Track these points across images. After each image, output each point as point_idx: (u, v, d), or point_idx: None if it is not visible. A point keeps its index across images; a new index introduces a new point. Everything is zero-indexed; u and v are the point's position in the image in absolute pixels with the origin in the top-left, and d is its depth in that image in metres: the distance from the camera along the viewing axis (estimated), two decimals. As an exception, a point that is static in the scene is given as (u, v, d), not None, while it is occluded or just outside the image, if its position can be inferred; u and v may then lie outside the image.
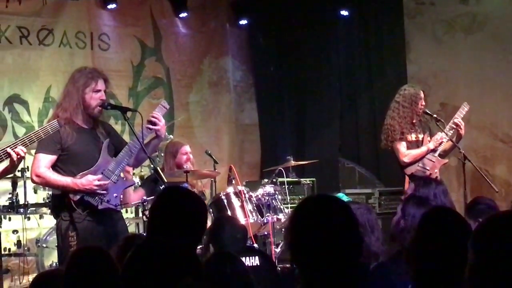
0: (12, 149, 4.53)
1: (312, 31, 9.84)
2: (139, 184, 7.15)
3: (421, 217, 2.82)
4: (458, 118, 6.87)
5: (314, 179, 8.36)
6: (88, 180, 4.87)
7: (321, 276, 2.30)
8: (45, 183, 5.13)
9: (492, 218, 2.02)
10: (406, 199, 4.36)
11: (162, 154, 7.41)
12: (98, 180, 4.89)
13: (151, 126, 5.10)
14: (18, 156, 4.55)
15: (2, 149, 4.54)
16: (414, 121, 6.98)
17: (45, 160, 4.93)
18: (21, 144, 4.61)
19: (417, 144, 6.94)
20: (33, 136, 4.67)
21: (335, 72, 9.87)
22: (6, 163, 4.70)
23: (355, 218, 2.40)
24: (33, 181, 5.15)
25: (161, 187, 5.68)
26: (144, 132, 5.08)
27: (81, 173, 4.91)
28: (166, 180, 5.04)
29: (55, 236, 6.76)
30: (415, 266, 2.65)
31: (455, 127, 6.86)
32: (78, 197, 4.87)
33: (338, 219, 2.33)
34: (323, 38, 9.84)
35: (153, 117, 5.10)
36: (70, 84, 5.07)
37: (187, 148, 6.89)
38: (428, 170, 6.80)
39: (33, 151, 6.88)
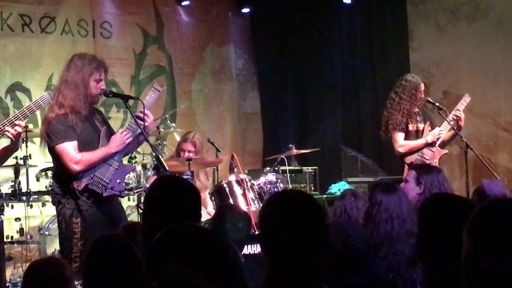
0: (10, 126, 4.53)
1: (315, 19, 9.82)
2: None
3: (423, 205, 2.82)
4: (459, 110, 6.88)
5: (316, 167, 8.35)
6: (118, 136, 5.00)
7: (287, 265, 2.39)
8: (87, 166, 4.96)
9: (487, 205, 2.01)
10: (373, 186, 4.37)
11: (165, 143, 7.44)
12: (124, 134, 5.01)
13: (139, 120, 5.03)
14: (16, 132, 4.57)
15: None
16: (417, 110, 6.98)
17: (73, 146, 4.90)
18: (15, 120, 4.62)
19: (417, 133, 6.96)
20: (26, 111, 4.69)
21: (337, 60, 9.85)
22: (6, 143, 4.70)
23: (321, 211, 2.50)
24: (75, 171, 4.90)
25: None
26: (133, 128, 5.07)
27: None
28: (167, 168, 5.03)
29: (57, 224, 6.80)
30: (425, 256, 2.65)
31: (455, 118, 6.87)
32: (82, 185, 4.87)
33: (303, 212, 2.45)
34: (326, 27, 9.82)
35: (142, 113, 5.05)
36: (73, 71, 4.99)
37: (188, 146, 6.91)
38: (427, 159, 6.81)
39: (35, 140, 6.94)
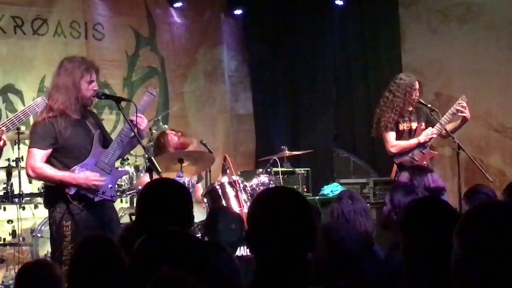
0: None
1: (307, 21, 9.83)
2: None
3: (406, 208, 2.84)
4: (460, 101, 6.83)
5: (308, 169, 8.36)
6: (86, 175, 4.86)
7: (274, 264, 2.38)
8: (41, 178, 5.09)
9: (479, 207, 2.02)
10: (393, 189, 4.37)
11: (157, 144, 7.42)
12: (95, 176, 4.88)
13: (132, 125, 5.02)
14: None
15: None
16: (410, 109, 6.95)
17: (40, 154, 4.89)
18: (11, 125, 4.59)
19: (410, 133, 6.92)
20: (21, 115, 4.67)
21: (330, 61, 9.87)
22: None
23: (309, 209, 2.50)
24: (29, 176, 5.09)
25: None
26: (126, 132, 5.05)
27: (78, 165, 4.89)
28: (160, 170, 5.02)
29: (49, 227, 6.79)
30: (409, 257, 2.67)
31: (455, 113, 6.82)
32: (73, 190, 4.86)
33: (290, 209, 2.44)
34: (318, 28, 9.84)
35: (138, 117, 5.03)
36: (63, 75, 4.97)
37: (178, 139, 6.95)
38: (416, 161, 6.80)
39: (27, 141, 6.94)
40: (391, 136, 6.88)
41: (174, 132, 7.23)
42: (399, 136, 6.90)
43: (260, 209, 2.49)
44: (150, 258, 2.31)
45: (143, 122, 5.07)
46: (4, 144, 4.56)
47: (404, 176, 5.02)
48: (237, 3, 9.92)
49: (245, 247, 5.76)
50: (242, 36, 10.21)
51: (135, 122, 5.00)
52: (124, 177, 7.01)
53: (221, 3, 9.95)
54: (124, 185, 7.18)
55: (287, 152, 7.73)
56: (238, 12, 9.98)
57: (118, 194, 6.65)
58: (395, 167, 6.92)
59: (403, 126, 6.92)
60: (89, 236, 3.30)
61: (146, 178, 6.39)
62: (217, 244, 2.71)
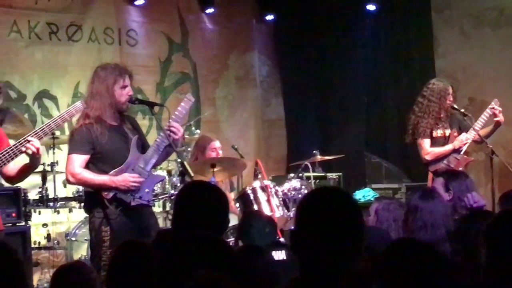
0: (23, 145, 4.47)
1: (339, 25, 9.83)
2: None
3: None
4: (492, 106, 6.77)
5: (340, 174, 8.35)
6: (124, 177, 4.89)
7: (318, 268, 2.32)
8: (81, 183, 5.12)
9: (506, 212, 2.01)
10: (412, 193, 4.36)
11: (189, 149, 7.47)
12: (134, 178, 4.93)
13: (170, 132, 5.04)
14: (31, 150, 4.45)
15: (15, 145, 4.52)
16: (441, 115, 6.89)
17: (79, 160, 4.93)
18: (48, 129, 4.60)
19: (444, 140, 6.84)
20: (59, 120, 4.67)
21: (361, 66, 9.85)
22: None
23: (360, 215, 2.41)
24: (68, 182, 5.11)
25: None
26: (162, 139, 5.06)
27: (114, 171, 4.93)
28: (192, 175, 5.05)
29: (84, 230, 6.86)
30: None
31: (488, 118, 6.75)
32: (111, 194, 4.89)
33: (340, 213, 2.34)
34: (350, 33, 9.83)
35: (172, 129, 5.05)
36: (97, 82, 5.02)
37: (216, 143, 6.94)
38: (452, 167, 6.73)
39: (62, 146, 7.04)
40: (426, 143, 6.80)
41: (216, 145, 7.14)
42: (433, 143, 6.83)
43: (309, 208, 2.41)
44: (181, 261, 2.32)
45: (178, 131, 5.07)
46: (38, 152, 4.52)
47: (439, 183, 4.98)
48: (268, 8, 9.96)
49: (277, 251, 5.77)
50: (273, 41, 10.24)
51: (169, 130, 5.02)
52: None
53: (253, 9, 9.99)
54: (157, 189, 7.22)
55: (319, 157, 7.73)
56: (269, 17, 10.02)
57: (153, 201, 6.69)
58: (430, 175, 6.85)
59: (437, 132, 6.85)
60: (125, 242, 3.32)
61: None
62: (256, 246, 2.71)
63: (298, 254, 2.37)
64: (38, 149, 4.47)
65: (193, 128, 8.04)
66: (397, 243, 2.72)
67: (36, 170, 6.28)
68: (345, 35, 9.83)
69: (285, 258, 5.81)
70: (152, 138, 5.91)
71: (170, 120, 5.08)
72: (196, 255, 2.32)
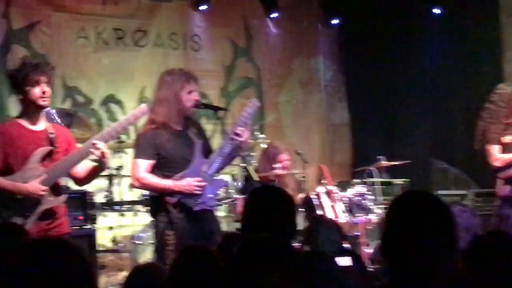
0: (93, 148, 4.54)
1: (404, 29, 9.69)
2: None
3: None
4: None
5: (406, 179, 8.23)
6: (188, 181, 4.91)
7: (410, 273, 2.26)
8: (145, 187, 5.18)
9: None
10: (503, 202, 4.24)
11: (253, 154, 7.46)
12: (197, 182, 4.94)
13: (235, 137, 5.04)
14: (100, 153, 4.51)
15: (83, 148, 4.58)
16: (511, 121, 6.72)
17: (144, 165, 4.97)
18: (114, 132, 4.65)
19: (514, 146, 6.67)
20: (124, 123, 4.71)
21: (427, 70, 9.68)
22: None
23: (452, 217, 2.35)
24: (134, 186, 5.19)
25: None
26: (226, 144, 5.05)
27: (178, 175, 4.95)
28: (257, 179, 5.04)
29: (149, 233, 6.91)
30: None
31: None
32: (174, 199, 4.92)
33: (433, 216, 2.30)
34: (416, 37, 9.68)
35: (237, 132, 5.03)
36: (164, 88, 5.05)
37: (284, 156, 6.90)
38: None
39: (128, 150, 7.11)
40: (494, 149, 6.62)
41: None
42: (503, 150, 6.66)
43: (401, 215, 2.36)
44: (248, 265, 2.30)
45: (244, 135, 5.05)
46: (104, 156, 4.58)
47: (507, 189, 4.85)
48: (334, 12, 9.89)
49: (343, 258, 5.71)
50: (338, 45, 10.17)
51: (234, 134, 5.02)
52: (221, 187, 7.05)
53: (318, 13, 9.95)
54: (221, 194, 7.23)
55: (384, 162, 7.63)
56: (335, 21, 9.95)
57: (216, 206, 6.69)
58: (499, 181, 6.67)
59: (505, 138, 6.68)
60: (187, 247, 3.32)
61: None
62: (324, 253, 2.68)
63: (389, 259, 2.33)
64: (104, 153, 4.53)
65: (257, 133, 8.03)
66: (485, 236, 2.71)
67: (103, 174, 6.37)
68: (411, 39, 9.69)
69: (350, 264, 5.76)
70: (216, 142, 5.93)
71: (235, 124, 5.07)
72: (264, 260, 2.30)
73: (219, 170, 5.31)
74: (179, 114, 5.02)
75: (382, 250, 2.36)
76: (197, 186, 4.92)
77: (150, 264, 3.87)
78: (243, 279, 2.26)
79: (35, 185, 4.43)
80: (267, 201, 3.24)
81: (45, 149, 4.57)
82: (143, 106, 4.79)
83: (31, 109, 4.57)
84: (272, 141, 7.26)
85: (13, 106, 7.23)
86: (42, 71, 4.51)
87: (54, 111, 6.48)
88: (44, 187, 4.45)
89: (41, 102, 4.52)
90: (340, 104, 10.20)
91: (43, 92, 4.50)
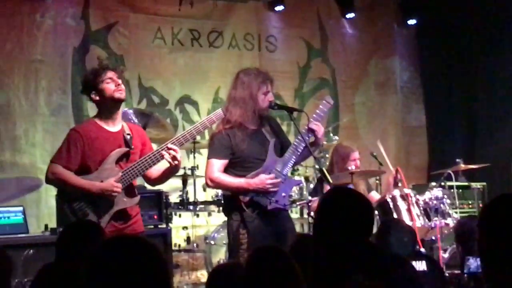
0: (165, 150, 4.58)
1: (484, 29, 9.46)
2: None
3: None
4: None
5: (485, 183, 8.02)
6: (261, 179, 4.90)
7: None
8: (219, 187, 5.20)
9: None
10: None
11: (327, 155, 7.40)
12: (271, 179, 4.92)
13: (311, 133, 5.02)
14: (171, 156, 4.55)
15: (157, 151, 4.62)
16: None
17: (218, 164, 4.98)
18: (189, 135, 4.67)
19: None
20: (199, 126, 4.74)
21: (509, 72, 9.41)
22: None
23: None
24: (208, 185, 5.19)
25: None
26: (299, 142, 5.04)
27: (251, 174, 4.95)
28: (331, 181, 4.98)
29: (222, 234, 6.95)
30: None
31: None
32: (248, 198, 4.91)
33: None
34: (496, 36, 9.43)
35: (314, 125, 5.01)
36: (240, 88, 5.02)
37: (356, 154, 6.84)
38: None
39: (202, 151, 7.16)
40: None
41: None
42: None
43: (496, 221, 2.30)
44: (337, 265, 2.26)
45: (320, 130, 5.04)
46: (176, 159, 4.62)
47: None
48: (411, 12, 9.74)
49: (416, 261, 5.61)
50: (415, 46, 10.00)
51: (309, 129, 4.99)
52: (294, 187, 7.03)
53: (394, 13, 9.81)
54: (294, 195, 7.20)
55: (462, 166, 7.46)
56: (411, 21, 9.79)
57: (289, 205, 6.66)
58: None
59: None
60: (260, 247, 3.29)
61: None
62: (401, 257, 2.62)
63: (488, 263, 2.26)
64: (175, 157, 4.56)
65: (331, 135, 7.96)
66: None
67: (177, 174, 6.43)
68: (491, 38, 9.44)
69: (425, 269, 5.65)
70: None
71: (311, 120, 5.04)
72: (352, 260, 2.26)
73: (293, 167, 5.28)
74: (254, 114, 5.01)
75: (481, 254, 2.27)
76: (271, 183, 4.90)
77: (231, 263, 3.85)
78: (332, 279, 2.23)
79: (110, 183, 4.49)
80: (341, 203, 3.18)
81: (122, 150, 4.63)
82: (219, 111, 4.79)
83: (108, 108, 4.64)
84: (340, 142, 7.20)
85: (91, 106, 7.42)
86: (111, 68, 4.66)
87: (131, 111, 6.59)
88: (119, 184, 4.51)
89: (117, 94, 4.59)
90: (417, 105, 10.03)
91: (118, 85, 4.59)
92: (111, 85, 4.57)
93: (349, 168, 6.50)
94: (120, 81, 4.62)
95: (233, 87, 5.09)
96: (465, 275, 5.42)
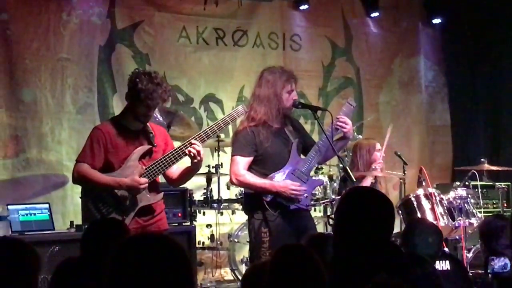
0: (187, 147, 4.63)
1: (509, 29, 9.40)
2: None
3: None
4: None
5: (509, 183, 7.97)
6: (286, 184, 4.91)
7: None
8: (243, 185, 5.18)
9: None
10: None
11: (351, 154, 7.40)
12: (295, 186, 4.93)
13: (339, 128, 5.05)
14: (195, 151, 4.61)
15: (179, 147, 4.66)
16: None
17: (243, 162, 5.00)
18: (211, 132, 4.71)
19: None
20: (221, 123, 4.78)
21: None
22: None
23: None
24: (232, 183, 5.20)
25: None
26: (332, 132, 5.05)
27: (274, 174, 4.96)
28: (354, 180, 4.99)
29: (246, 232, 6.96)
30: None
31: None
32: (270, 197, 4.94)
33: None
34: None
35: (340, 121, 5.04)
36: (264, 86, 5.03)
37: (378, 145, 6.86)
38: None
39: (226, 149, 7.20)
40: None
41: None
42: None
43: None
44: (358, 265, 2.27)
45: (347, 125, 5.05)
46: (199, 155, 4.67)
47: None
48: (436, 11, 9.69)
49: (441, 261, 5.60)
50: (440, 45, 9.96)
51: (337, 125, 5.00)
52: (318, 186, 7.03)
53: (419, 12, 9.78)
54: (318, 194, 7.21)
55: (487, 165, 7.41)
56: (436, 21, 9.75)
57: (311, 205, 6.68)
58: None
59: None
60: (286, 245, 3.30)
61: None
62: (420, 257, 2.63)
63: None
64: (199, 152, 4.61)
65: (355, 133, 7.95)
66: None
67: (201, 172, 6.49)
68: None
69: (449, 268, 5.64)
70: (314, 143, 5.90)
71: (335, 120, 5.04)
72: (373, 260, 2.27)
73: (320, 163, 5.26)
74: (278, 112, 5.02)
75: None
76: (294, 190, 4.91)
77: (264, 263, 3.86)
78: (353, 278, 2.24)
79: (134, 178, 4.54)
80: (361, 203, 3.18)
81: (145, 147, 4.69)
82: (240, 108, 4.84)
83: (130, 118, 4.69)
84: (361, 140, 7.19)
85: (117, 105, 7.49)
86: (162, 101, 4.65)
87: (156, 109, 6.63)
88: (143, 180, 4.55)
89: (142, 119, 4.67)
90: (441, 105, 9.99)
91: (148, 115, 4.66)
92: (146, 110, 4.61)
93: (377, 160, 6.54)
94: (152, 113, 4.71)
95: (257, 85, 5.11)
96: (489, 275, 5.40)
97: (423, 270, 3.09)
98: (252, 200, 5.06)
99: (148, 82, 4.54)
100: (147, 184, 4.59)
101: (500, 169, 7.69)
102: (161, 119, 6.40)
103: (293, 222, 4.99)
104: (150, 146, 4.71)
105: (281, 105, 5.00)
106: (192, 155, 4.62)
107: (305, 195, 5.03)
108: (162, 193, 4.81)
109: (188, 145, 4.62)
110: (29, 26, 7.33)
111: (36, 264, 2.61)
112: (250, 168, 5.03)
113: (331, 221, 6.57)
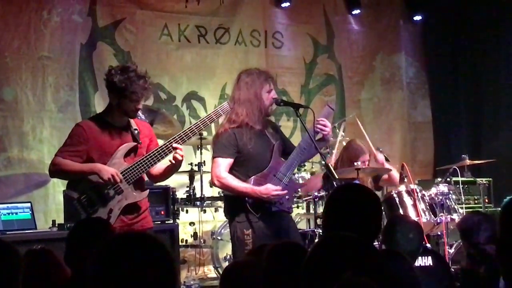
0: (169, 149, 4.63)
1: (490, 25, 9.46)
2: None
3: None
4: None
5: (490, 179, 8.03)
6: (268, 189, 4.90)
7: None
8: (224, 187, 5.15)
9: None
10: None
11: (334, 151, 7.42)
12: (276, 191, 4.93)
13: (319, 131, 5.05)
14: (176, 153, 4.64)
15: (161, 147, 4.67)
16: None
17: (224, 164, 4.98)
18: (196, 129, 4.72)
19: None
20: (206, 120, 4.78)
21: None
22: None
23: None
24: (213, 184, 5.18)
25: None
26: (314, 133, 5.05)
27: (257, 175, 4.97)
28: (337, 177, 5.00)
29: (229, 230, 6.97)
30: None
31: None
32: (252, 200, 4.93)
33: None
34: (503, 32, 9.43)
35: (320, 123, 5.03)
36: (244, 89, 5.02)
37: (367, 157, 6.84)
38: None
39: (209, 147, 7.19)
40: None
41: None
42: None
43: None
44: (325, 263, 2.28)
45: (326, 127, 5.05)
46: (178, 160, 4.70)
47: None
48: (417, 8, 9.75)
49: (423, 257, 5.64)
50: (421, 42, 10.02)
51: (317, 128, 5.01)
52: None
53: (400, 9, 9.82)
54: (300, 191, 7.22)
55: (468, 161, 7.47)
56: (417, 18, 9.80)
57: (294, 199, 6.70)
58: None
59: None
60: (280, 243, 3.29)
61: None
62: (396, 252, 2.64)
63: (505, 263, 2.29)
64: (182, 155, 4.66)
65: (337, 130, 7.97)
66: None
67: (184, 170, 6.49)
68: (497, 34, 9.44)
69: (431, 264, 5.68)
70: (296, 140, 5.92)
71: (317, 119, 5.05)
72: (345, 258, 2.27)
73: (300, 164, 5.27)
74: (260, 113, 5.02)
75: (498, 253, 2.31)
76: (276, 194, 4.91)
77: (245, 260, 3.86)
78: (323, 277, 2.25)
79: (112, 169, 4.53)
80: (349, 199, 3.18)
81: (130, 144, 4.68)
82: (225, 105, 4.84)
83: (115, 114, 4.68)
84: (354, 139, 7.18)
85: (98, 103, 7.46)
86: (145, 89, 4.60)
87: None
88: (117, 171, 4.53)
89: (131, 114, 4.65)
90: (423, 101, 10.04)
91: (137, 110, 4.63)
92: (133, 104, 4.60)
93: (355, 164, 6.52)
94: (141, 106, 4.66)
95: (236, 88, 5.09)
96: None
97: (399, 267, 3.10)
98: (233, 202, 5.04)
99: (123, 75, 4.54)
100: (121, 178, 4.55)
101: (481, 162, 7.74)
102: (143, 117, 6.37)
103: (275, 224, 4.97)
104: (135, 143, 4.70)
105: (262, 105, 5.00)
106: (175, 161, 4.65)
107: (287, 197, 5.04)
108: (148, 190, 4.80)
109: (169, 146, 4.64)
110: (10, 25, 7.28)
111: (16, 262, 2.60)
112: (231, 170, 5.00)
113: (318, 221, 6.61)
